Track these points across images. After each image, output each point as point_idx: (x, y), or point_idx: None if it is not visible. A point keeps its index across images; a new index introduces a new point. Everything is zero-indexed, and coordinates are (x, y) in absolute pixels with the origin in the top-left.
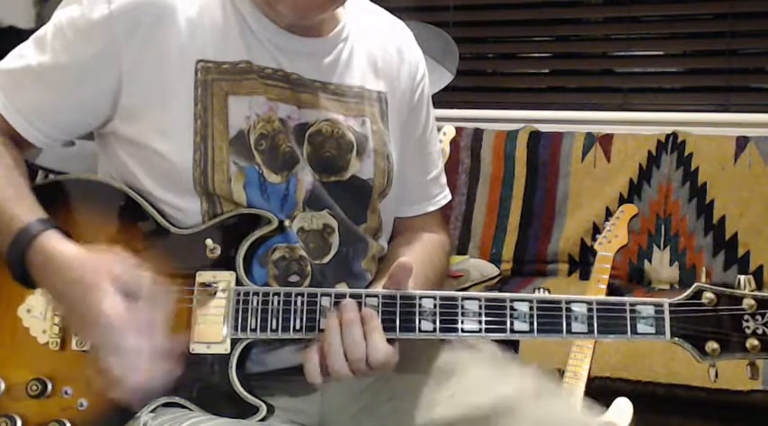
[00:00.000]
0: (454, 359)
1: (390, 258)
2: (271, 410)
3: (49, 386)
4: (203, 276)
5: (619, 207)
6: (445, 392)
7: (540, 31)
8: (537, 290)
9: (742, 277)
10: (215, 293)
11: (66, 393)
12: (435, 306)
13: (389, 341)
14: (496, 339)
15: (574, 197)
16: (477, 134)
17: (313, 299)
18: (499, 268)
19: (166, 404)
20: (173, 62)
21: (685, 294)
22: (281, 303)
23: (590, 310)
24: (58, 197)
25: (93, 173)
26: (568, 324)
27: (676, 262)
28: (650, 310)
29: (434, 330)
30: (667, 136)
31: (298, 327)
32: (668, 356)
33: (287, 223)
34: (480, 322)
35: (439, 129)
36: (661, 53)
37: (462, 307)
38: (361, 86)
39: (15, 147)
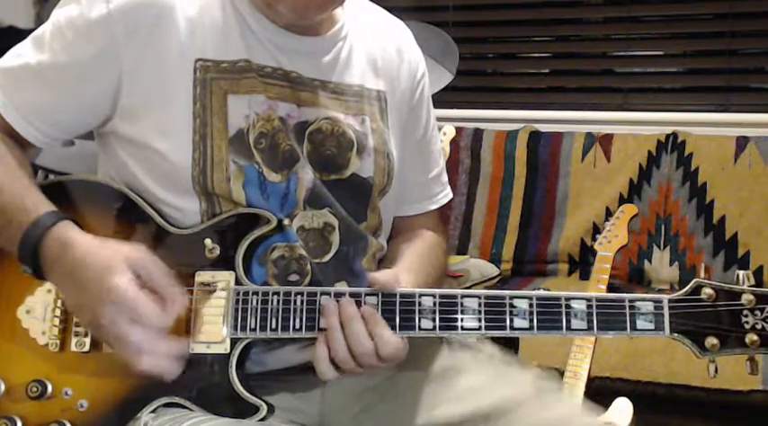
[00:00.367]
0: (455, 361)
1: (391, 257)
2: (271, 410)
3: (49, 388)
4: (202, 276)
5: (619, 207)
6: (447, 393)
7: (540, 31)
8: (537, 290)
9: (741, 272)
10: (214, 293)
11: (66, 394)
12: (435, 303)
13: None
14: (496, 336)
15: (574, 197)
16: (477, 134)
17: (312, 299)
18: (499, 268)
19: (167, 405)
20: (172, 62)
21: (684, 290)
22: (281, 302)
23: (589, 307)
24: (57, 197)
25: (92, 174)
26: (568, 321)
27: (676, 262)
28: (650, 306)
29: (434, 328)
30: (667, 136)
31: (297, 326)
32: (668, 356)
33: (286, 222)
34: (480, 319)
35: (439, 129)
36: (661, 53)
37: (462, 305)
38: (361, 85)
39: (17, 146)
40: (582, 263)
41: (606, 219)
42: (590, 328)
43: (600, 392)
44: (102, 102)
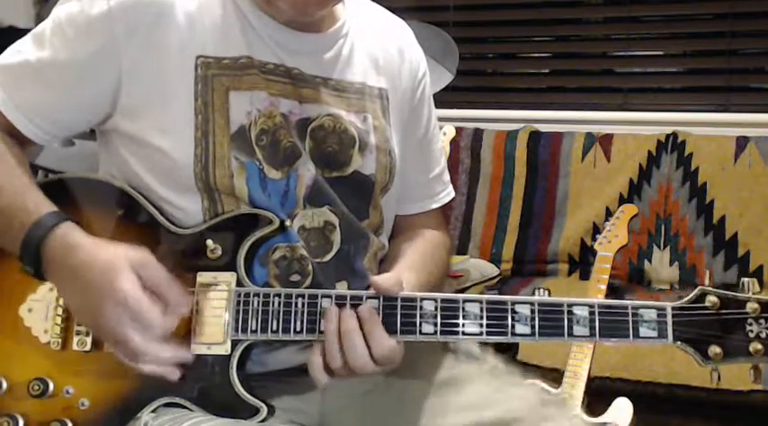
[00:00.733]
0: (459, 371)
1: (393, 256)
2: (271, 411)
3: (51, 386)
4: (204, 276)
5: (619, 207)
6: (449, 403)
7: (540, 31)
8: (537, 290)
9: (746, 280)
10: (216, 294)
11: (67, 392)
12: (436, 308)
13: None
14: (497, 341)
15: (574, 197)
16: (477, 134)
17: (314, 301)
18: (499, 268)
19: (167, 405)
20: (173, 59)
21: (688, 297)
22: (282, 304)
23: (592, 313)
24: (58, 195)
25: (93, 172)
26: (570, 328)
27: (676, 262)
28: (653, 314)
29: (435, 332)
30: (667, 136)
31: (298, 328)
32: (668, 356)
33: (288, 222)
34: (481, 324)
35: (439, 129)
36: (661, 53)
37: (463, 310)
38: (363, 82)
39: (16, 144)
40: (582, 263)
41: (606, 219)
42: (592, 335)
43: (600, 392)
44: (103, 100)
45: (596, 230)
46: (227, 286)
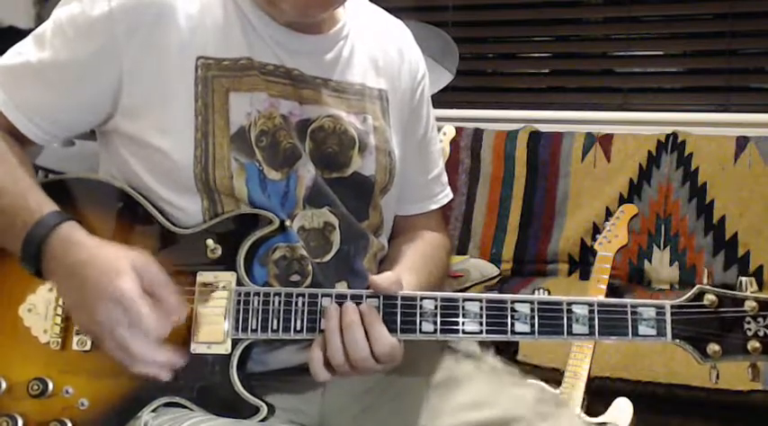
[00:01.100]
0: (458, 371)
1: (393, 256)
2: (271, 410)
3: (50, 386)
4: (204, 276)
5: (619, 207)
6: (449, 403)
7: (540, 31)
8: (537, 291)
9: (744, 278)
10: (216, 293)
11: (66, 392)
12: (436, 307)
13: None
14: (497, 340)
15: (574, 197)
16: (477, 134)
17: (314, 300)
18: (499, 268)
19: (167, 404)
20: (173, 60)
21: (687, 296)
22: (282, 303)
23: (591, 311)
24: (58, 196)
25: (93, 173)
26: (569, 326)
27: (676, 262)
28: (651, 312)
29: (435, 331)
30: (667, 136)
31: (298, 328)
32: (668, 356)
33: (288, 222)
34: (481, 323)
35: (439, 129)
36: (661, 53)
37: (463, 309)
38: (362, 84)
39: (17, 144)
40: (582, 263)
41: (606, 219)
42: (591, 333)
43: (600, 392)
44: (103, 101)
45: (596, 230)
46: (227, 285)
